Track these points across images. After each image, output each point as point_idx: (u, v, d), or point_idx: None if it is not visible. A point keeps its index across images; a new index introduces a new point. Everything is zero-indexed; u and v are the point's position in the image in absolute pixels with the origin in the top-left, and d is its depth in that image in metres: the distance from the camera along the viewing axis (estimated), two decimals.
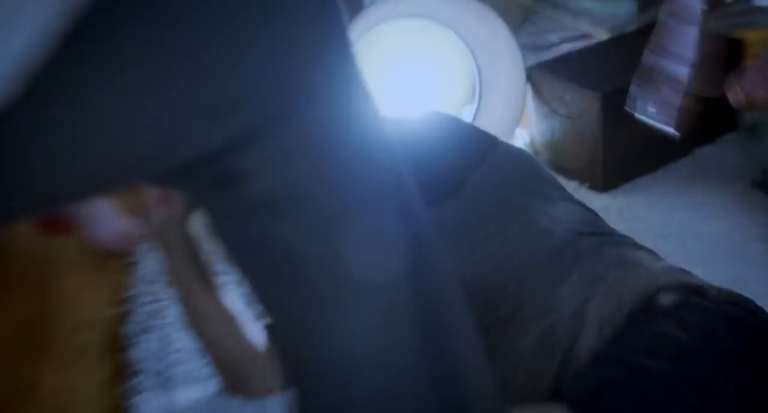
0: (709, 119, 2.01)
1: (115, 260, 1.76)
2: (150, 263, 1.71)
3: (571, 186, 1.83)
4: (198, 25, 0.54)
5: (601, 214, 1.25)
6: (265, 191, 0.61)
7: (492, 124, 1.92)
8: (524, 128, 2.03)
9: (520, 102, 1.96)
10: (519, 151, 1.37)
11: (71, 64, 0.51)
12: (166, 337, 1.52)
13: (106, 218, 1.71)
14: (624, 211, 1.78)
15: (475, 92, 1.99)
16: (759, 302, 1.01)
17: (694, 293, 0.97)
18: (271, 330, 1.11)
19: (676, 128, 1.53)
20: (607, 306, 0.96)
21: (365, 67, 0.64)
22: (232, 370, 1.17)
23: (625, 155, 1.84)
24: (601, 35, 2.53)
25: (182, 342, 1.48)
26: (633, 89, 1.59)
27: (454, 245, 1.08)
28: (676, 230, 1.69)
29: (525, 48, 2.51)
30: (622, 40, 2.16)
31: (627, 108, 1.60)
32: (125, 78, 0.53)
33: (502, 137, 1.92)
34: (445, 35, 1.92)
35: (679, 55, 1.50)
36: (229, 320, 1.16)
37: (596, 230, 1.12)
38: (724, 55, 1.53)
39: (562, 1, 2.74)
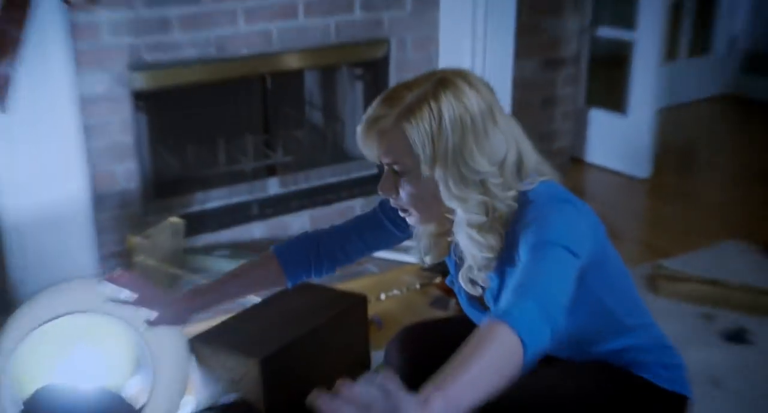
0: (347, 364, 2.29)
1: None
2: None
3: None
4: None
5: None
6: None
7: (160, 394, 2.03)
8: (191, 394, 2.15)
9: (185, 371, 2.08)
10: None
11: None
12: None
13: None
14: None
15: (141, 365, 2.09)
16: None
17: None
18: None
19: None
20: None
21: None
22: None
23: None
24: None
25: None
26: None
27: None
28: None
29: None
30: (274, 300, 2.38)
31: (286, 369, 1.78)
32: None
33: (169, 404, 2.05)
34: (105, 320, 2.02)
35: None
36: None
37: None
38: None
39: (204, 267, 2.99)
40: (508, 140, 1.42)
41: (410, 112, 1.38)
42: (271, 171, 3.36)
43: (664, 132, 4.09)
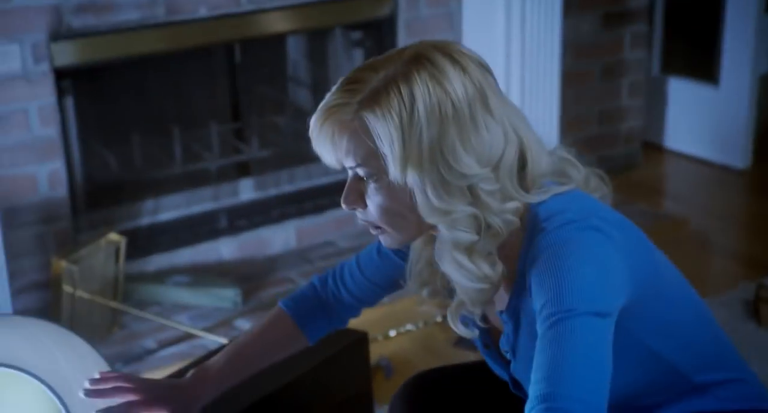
0: None
1: None
2: None
3: None
4: None
5: None
6: None
7: None
8: None
9: None
10: None
11: None
12: None
13: None
14: None
15: None
16: None
17: None
18: None
19: None
20: None
21: None
22: None
23: None
24: (206, 334, 2.75)
25: None
26: None
27: None
28: None
29: (116, 359, 2.65)
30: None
31: None
32: None
33: None
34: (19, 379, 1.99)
35: None
36: None
37: None
38: None
39: (155, 297, 2.96)
40: (507, 133, 1.38)
41: (374, 99, 1.34)
42: (243, 170, 3.35)
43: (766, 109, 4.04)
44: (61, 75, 2.84)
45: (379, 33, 3.32)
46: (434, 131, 1.33)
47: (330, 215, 3.36)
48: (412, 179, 1.34)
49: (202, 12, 2.96)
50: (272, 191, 3.34)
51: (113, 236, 2.83)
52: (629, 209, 3.43)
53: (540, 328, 1.35)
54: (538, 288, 1.35)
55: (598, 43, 3.74)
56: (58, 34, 2.77)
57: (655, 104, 4.06)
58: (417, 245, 1.55)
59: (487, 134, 1.36)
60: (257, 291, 3.03)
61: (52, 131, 2.84)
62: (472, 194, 1.36)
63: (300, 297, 1.77)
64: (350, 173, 1.40)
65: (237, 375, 1.71)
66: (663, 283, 1.50)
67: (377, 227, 1.43)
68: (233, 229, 3.23)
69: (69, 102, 2.92)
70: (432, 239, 1.52)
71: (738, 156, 3.89)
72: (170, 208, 3.19)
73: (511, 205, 1.39)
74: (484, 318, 1.57)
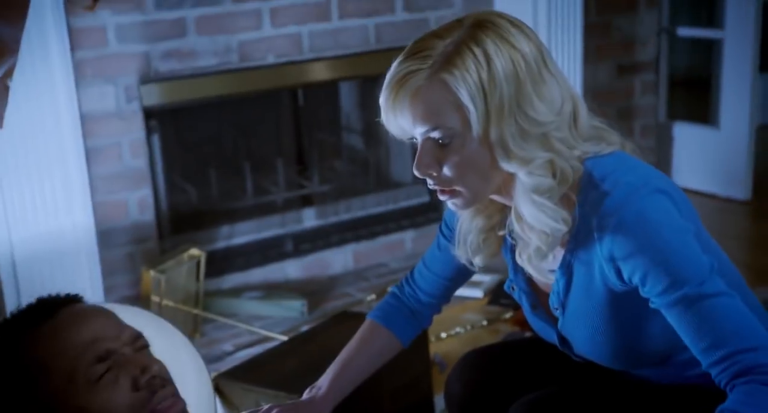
0: (408, 407, 2.18)
1: None
2: None
3: None
4: None
5: None
6: None
7: None
8: None
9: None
10: None
11: None
12: None
13: None
14: None
15: None
16: None
17: None
18: None
19: None
20: None
21: None
22: None
23: None
24: (279, 335, 2.68)
25: None
26: None
27: None
28: None
29: None
30: (303, 339, 2.31)
31: None
32: None
33: None
34: None
35: None
36: None
37: None
38: None
39: (231, 309, 2.89)
40: (563, 88, 1.32)
41: (450, 62, 1.27)
42: (306, 201, 3.30)
43: (762, 151, 3.96)
44: (148, 114, 2.81)
45: None
46: (512, 86, 1.26)
47: (382, 240, 3.29)
48: (494, 132, 1.27)
49: (270, 59, 2.94)
50: (332, 219, 3.28)
51: (194, 251, 2.77)
52: None
53: (663, 304, 1.28)
54: (637, 264, 1.27)
55: (613, 90, 3.68)
56: (147, 78, 2.76)
57: (663, 146, 3.99)
58: (465, 218, 1.47)
59: (551, 87, 1.30)
60: (320, 304, 2.96)
61: (141, 162, 2.81)
62: (547, 141, 1.30)
63: (385, 307, 1.70)
64: (421, 139, 1.32)
65: (346, 387, 1.64)
66: (715, 246, 1.42)
67: (450, 192, 1.35)
68: (298, 252, 3.16)
69: (155, 139, 2.89)
70: (482, 209, 1.45)
71: (740, 189, 3.80)
72: (243, 233, 3.14)
73: (576, 152, 1.32)
74: (530, 282, 1.50)
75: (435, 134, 1.30)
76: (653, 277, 1.27)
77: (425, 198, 3.40)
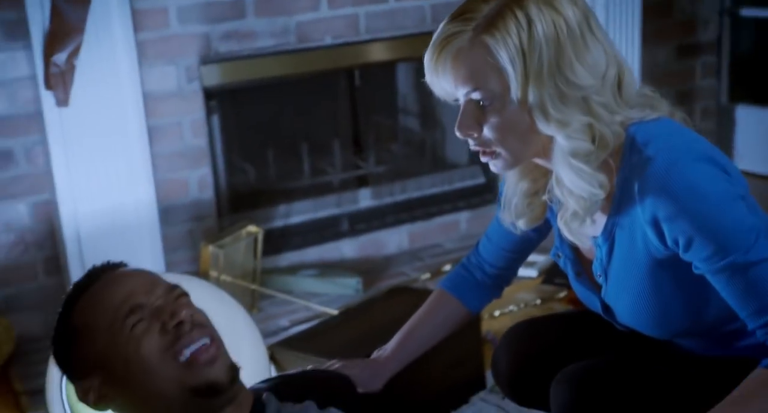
0: (459, 381, 2.18)
1: None
2: None
3: None
4: None
5: None
6: None
7: None
8: None
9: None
10: None
11: None
12: None
13: None
14: None
15: None
16: None
17: None
18: None
19: None
20: None
21: None
22: None
23: None
24: (334, 313, 2.69)
25: None
26: None
27: None
28: None
29: None
30: (354, 313, 2.32)
31: None
32: None
33: None
34: None
35: None
36: None
37: None
38: None
39: (288, 286, 2.92)
40: (608, 53, 1.32)
41: (492, 24, 1.28)
42: (362, 181, 3.30)
43: None
44: (208, 95, 2.84)
45: None
46: (552, 49, 1.26)
47: (438, 221, 3.29)
48: (532, 94, 1.28)
49: (327, 40, 2.95)
50: (387, 200, 3.28)
51: (252, 228, 2.80)
52: None
53: (708, 270, 1.29)
54: (681, 227, 1.27)
55: (672, 72, 3.62)
56: (207, 58, 2.79)
57: (724, 129, 3.91)
58: (511, 180, 1.47)
59: (595, 52, 1.29)
60: (375, 282, 2.97)
61: (202, 141, 2.84)
62: (586, 105, 1.29)
63: (454, 276, 1.73)
64: (463, 100, 1.33)
65: (411, 352, 1.68)
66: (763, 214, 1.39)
67: (491, 153, 1.36)
68: (354, 232, 3.18)
69: (215, 119, 2.92)
70: (527, 173, 1.45)
71: None
72: (300, 213, 3.16)
73: (618, 118, 1.31)
74: (575, 249, 1.50)
75: (476, 96, 1.31)
76: (698, 243, 1.27)
77: (481, 179, 3.38)
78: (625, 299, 1.42)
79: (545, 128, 1.30)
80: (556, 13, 1.27)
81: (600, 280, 1.46)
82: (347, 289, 2.88)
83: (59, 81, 2.45)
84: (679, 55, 3.61)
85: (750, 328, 1.29)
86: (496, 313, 2.66)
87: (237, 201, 3.06)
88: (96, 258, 2.56)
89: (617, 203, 1.35)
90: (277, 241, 3.05)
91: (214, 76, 2.82)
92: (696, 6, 3.59)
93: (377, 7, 2.99)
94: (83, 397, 1.28)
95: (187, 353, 1.23)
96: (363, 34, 2.99)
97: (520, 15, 1.26)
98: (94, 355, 1.25)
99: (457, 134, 1.36)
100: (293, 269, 3.01)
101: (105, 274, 1.32)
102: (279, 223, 3.11)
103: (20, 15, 2.47)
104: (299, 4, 2.88)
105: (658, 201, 1.27)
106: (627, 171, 1.32)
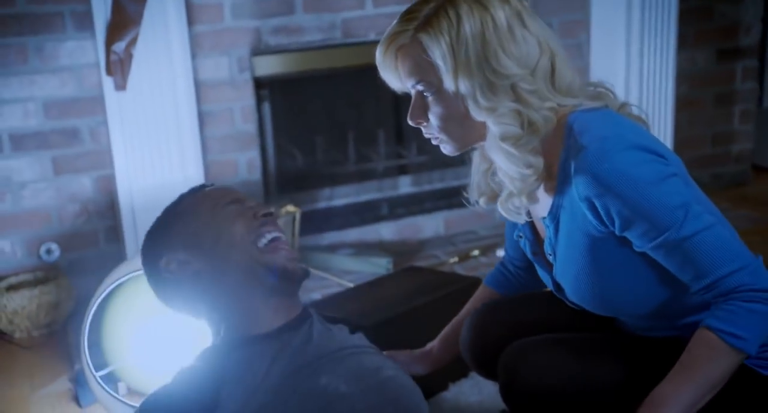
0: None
1: None
2: None
3: None
4: None
5: None
6: None
7: None
8: None
9: None
10: None
11: None
12: None
13: None
14: None
15: None
16: None
17: None
18: None
19: None
20: None
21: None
22: None
23: None
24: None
25: None
26: None
27: None
28: None
29: None
30: (369, 285, 2.40)
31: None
32: None
33: None
34: None
35: None
36: None
37: None
38: None
39: (325, 264, 3.03)
40: (541, 44, 1.39)
41: (428, 23, 1.37)
42: (403, 170, 3.39)
43: None
44: (259, 85, 2.98)
45: None
46: (478, 44, 1.35)
47: (473, 210, 3.31)
48: (463, 85, 1.36)
49: (372, 36, 3.05)
50: (426, 187, 3.37)
51: (291, 207, 2.93)
52: (737, 214, 3.27)
53: (646, 248, 1.35)
54: (613, 204, 1.32)
55: (711, 75, 3.60)
56: (257, 50, 2.92)
57: (764, 132, 3.86)
58: (475, 162, 1.56)
59: (524, 44, 1.37)
60: (406, 263, 3.04)
61: (251, 126, 2.99)
62: (515, 93, 1.37)
63: (495, 273, 1.82)
64: (413, 93, 1.44)
65: (454, 344, 1.76)
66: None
67: (437, 138, 1.45)
68: (393, 216, 3.28)
69: (266, 107, 3.06)
70: (484, 155, 1.52)
71: None
72: (342, 196, 3.27)
73: (548, 104, 1.39)
74: (534, 231, 1.56)
75: (419, 87, 1.41)
76: (632, 224, 1.33)
77: None
78: (569, 277, 1.49)
79: (477, 114, 1.38)
80: (485, 11, 1.36)
81: (551, 259, 1.52)
82: (379, 268, 2.98)
83: (118, 68, 2.62)
84: (719, 58, 3.58)
85: (692, 291, 1.35)
86: None
87: (284, 183, 3.20)
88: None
89: (560, 185, 1.41)
90: (320, 221, 3.18)
91: (264, 67, 2.96)
92: (738, 11, 3.56)
93: None
94: (165, 266, 1.50)
95: (268, 237, 1.48)
96: None
97: (452, 14, 1.36)
98: (187, 233, 1.50)
99: (409, 122, 1.47)
100: (332, 248, 3.13)
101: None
102: (322, 205, 3.24)
103: (88, 7, 2.65)
104: (345, 2, 2.99)
105: (590, 186, 1.34)
106: (565, 155, 1.39)
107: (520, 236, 1.60)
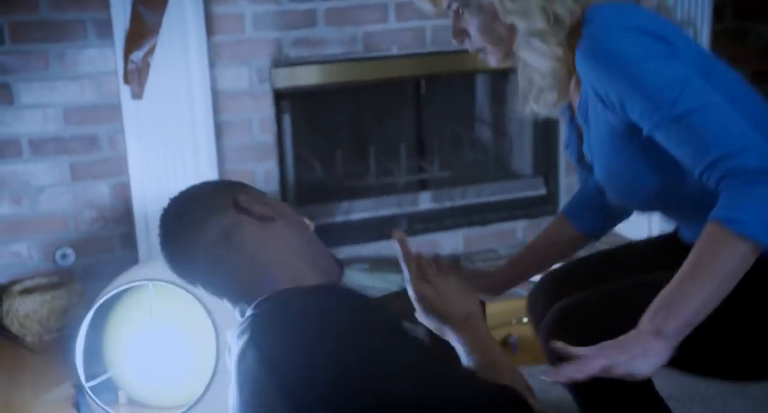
0: None
1: None
2: None
3: None
4: None
5: None
6: None
7: None
8: None
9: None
10: None
11: None
12: None
13: None
14: None
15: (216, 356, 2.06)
16: None
17: None
18: None
19: None
20: None
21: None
22: None
23: None
24: None
25: None
26: None
27: None
28: None
29: None
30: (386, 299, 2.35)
31: None
32: None
33: None
34: (186, 298, 2.03)
35: None
36: None
37: None
38: None
39: (345, 279, 2.95)
40: None
41: None
42: (423, 185, 3.33)
43: None
44: (279, 96, 2.93)
45: None
46: None
47: (493, 228, 3.28)
48: None
49: (393, 50, 2.99)
50: (447, 204, 3.29)
51: (304, 220, 2.85)
52: None
53: (646, 130, 1.31)
54: (611, 89, 1.32)
55: None
56: (278, 62, 2.88)
57: None
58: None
59: None
60: None
61: (269, 137, 2.94)
62: None
63: (575, 197, 1.78)
64: (451, 14, 1.52)
65: (520, 272, 1.76)
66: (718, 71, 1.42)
67: (482, 50, 1.52)
68: (412, 232, 3.20)
69: (286, 118, 3.00)
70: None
71: None
72: (361, 210, 3.21)
73: None
74: (579, 135, 1.56)
75: (453, 6, 1.49)
76: (629, 103, 1.32)
77: (542, 190, 3.34)
78: (602, 172, 1.49)
79: (504, 14, 1.42)
80: None
81: (589, 159, 1.52)
82: (392, 284, 2.89)
83: (135, 76, 2.59)
84: (754, 80, 3.41)
85: (696, 176, 1.26)
86: (524, 320, 2.61)
87: (302, 194, 3.15)
88: None
89: (580, 76, 1.41)
90: (337, 234, 3.12)
91: (284, 79, 2.90)
92: None
93: (443, 21, 2.97)
94: (244, 203, 1.37)
95: None
96: (429, 46, 3.01)
97: None
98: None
99: (454, 41, 1.53)
100: (348, 262, 3.05)
101: None
102: (340, 218, 3.18)
103: (109, 15, 2.62)
104: (368, 16, 2.94)
105: (588, 71, 1.35)
106: (578, 48, 1.38)
107: (568, 146, 1.61)
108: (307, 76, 2.93)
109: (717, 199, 1.24)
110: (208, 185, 1.52)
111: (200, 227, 1.36)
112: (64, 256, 2.80)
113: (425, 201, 3.26)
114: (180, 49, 2.63)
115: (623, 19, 1.34)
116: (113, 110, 2.73)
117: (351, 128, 3.30)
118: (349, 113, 3.27)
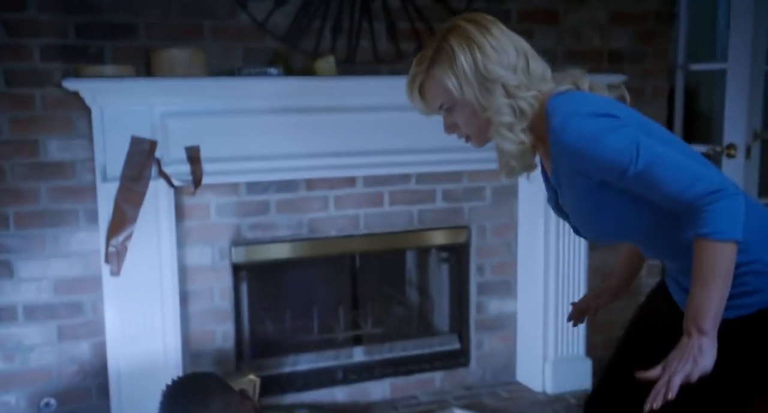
0: None
1: None
2: None
3: None
4: None
5: None
6: None
7: None
8: None
9: None
10: None
11: None
12: None
13: None
14: None
15: None
16: None
17: None
18: None
19: None
20: None
21: None
22: None
23: None
24: None
25: None
26: None
27: None
28: None
29: None
30: None
31: None
32: None
33: None
34: None
35: None
36: None
37: None
38: None
39: None
40: (517, 49, 1.73)
41: (433, 61, 1.75)
42: (357, 340, 3.56)
43: None
44: (238, 269, 3.23)
45: (459, 254, 3.56)
46: (471, 63, 1.71)
47: (416, 377, 3.54)
48: (468, 95, 1.72)
49: (333, 232, 3.33)
50: (377, 357, 3.55)
51: (252, 376, 3.18)
52: None
53: (625, 187, 1.65)
54: (591, 169, 1.65)
55: None
56: (237, 242, 3.19)
57: None
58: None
59: (503, 52, 1.72)
60: None
61: (227, 304, 3.22)
62: (505, 90, 1.71)
63: None
64: (442, 112, 1.80)
65: (631, 275, 2.13)
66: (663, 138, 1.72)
67: (468, 137, 1.81)
68: (346, 381, 3.46)
69: (243, 287, 3.29)
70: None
71: None
72: (305, 362, 3.46)
73: (531, 92, 1.72)
74: (555, 192, 1.85)
75: (445, 106, 1.78)
76: (602, 172, 1.64)
77: (456, 345, 3.65)
78: (578, 218, 1.79)
79: (482, 111, 1.73)
80: (470, 39, 1.72)
81: (566, 209, 1.82)
82: None
83: (114, 258, 2.96)
84: None
85: (666, 208, 1.62)
86: None
87: (256, 349, 3.38)
88: (131, 390, 3.04)
89: (552, 154, 1.71)
90: (284, 384, 3.36)
91: (242, 255, 3.22)
92: None
93: (374, 211, 3.37)
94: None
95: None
96: (362, 229, 3.36)
97: (448, 49, 1.73)
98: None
99: (446, 133, 1.83)
100: (290, 408, 3.40)
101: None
102: (288, 369, 3.42)
103: (96, 206, 3.00)
104: (312, 206, 3.27)
105: (562, 154, 1.67)
106: (549, 133, 1.68)
107: (548, 200, 1.90)
108: (262, 253, 3.23)
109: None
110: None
111: None
112: (47, 404, 3.05)
113: (359, 354, 3.51)
114: (154, 234, 2.93)
115: (578, 109, 1.64)
116: (95, 282, 3.01)
117: (298, 294, 3.55)
118: (296, 282, 3.53)
